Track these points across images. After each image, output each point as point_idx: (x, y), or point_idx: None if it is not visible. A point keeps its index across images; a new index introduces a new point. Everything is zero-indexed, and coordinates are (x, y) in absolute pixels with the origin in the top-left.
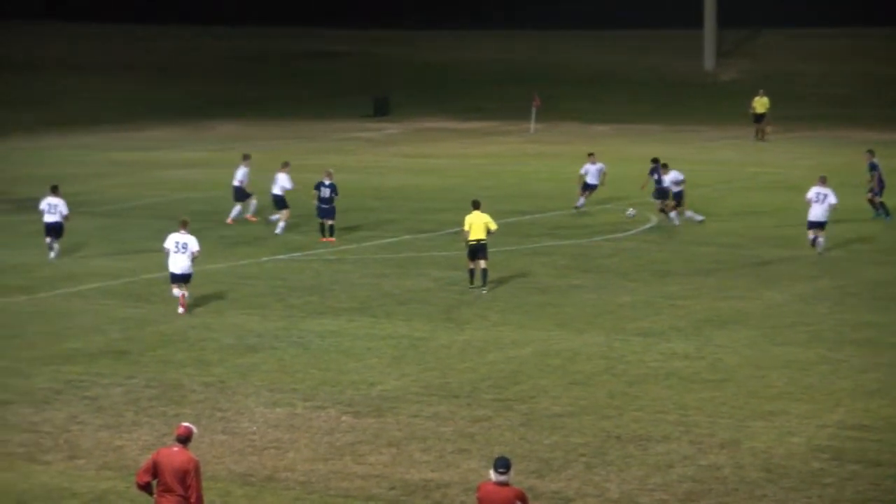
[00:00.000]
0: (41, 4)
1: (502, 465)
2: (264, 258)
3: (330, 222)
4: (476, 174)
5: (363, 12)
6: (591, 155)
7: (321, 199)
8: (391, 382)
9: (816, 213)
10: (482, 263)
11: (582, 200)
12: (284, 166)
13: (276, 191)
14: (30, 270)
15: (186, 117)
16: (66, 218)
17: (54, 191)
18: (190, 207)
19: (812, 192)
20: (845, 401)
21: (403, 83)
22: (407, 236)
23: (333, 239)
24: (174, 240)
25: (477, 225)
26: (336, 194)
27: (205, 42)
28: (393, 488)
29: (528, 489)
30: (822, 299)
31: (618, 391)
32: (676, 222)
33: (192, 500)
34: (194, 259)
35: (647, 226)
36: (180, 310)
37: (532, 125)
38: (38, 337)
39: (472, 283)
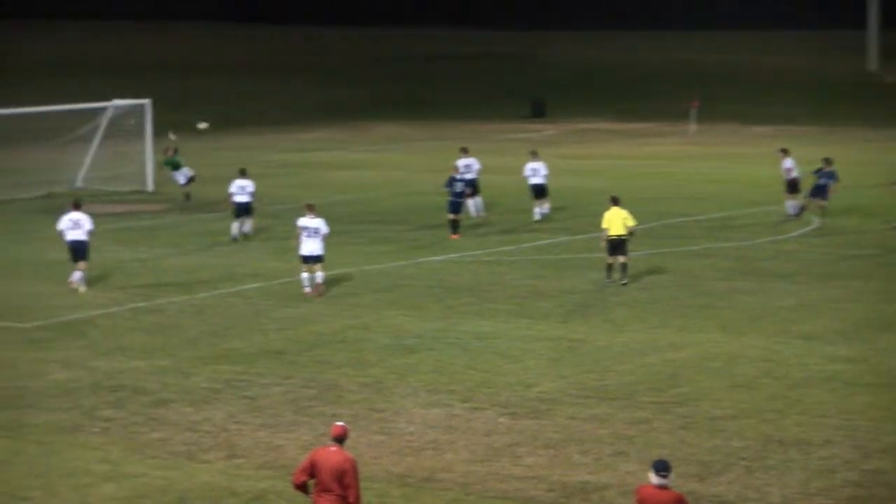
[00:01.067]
0: (214, 6)
1: (663, 467)
2: (421, 259)
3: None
4: (634, 175)
5: (522, 14)
6: (784, 151)
7: (454, 194)
8: (548, 384)
9: None
10: (621, 258)
11: (792, 206)
12: (534, 156)
13: (539, 180)
14: (190, 271)
15: (348, 118)
16: (252, 195)
17: (243, 174)
18: (350, 208)
19: None
20: None
21: (561, 84)
22: (564, 237)
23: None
24: (303, 224)
25: (615, 221)
26: (469, 188)
27: (367, 43)
28: (551, 490)
29: (688, 493)
30: None
31: (779, 394)
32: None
33: (351, 499)
34: (324, 240)
35: (809, 228)
36: (307, 289)
37: (691, 126)
38: (198, 336)
39: (608, 276)
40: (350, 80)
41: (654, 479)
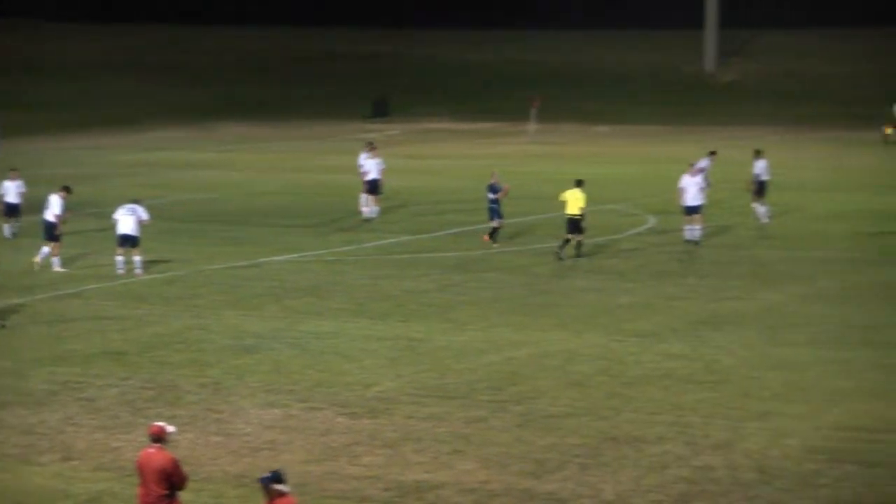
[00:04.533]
0: (52, 4)
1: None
2: (262, 259)
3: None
4: (477, 175)
5: (365, 13)
6: (758, 152)
7: (490, 200)
8: (387, 383)
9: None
10: (578, 236)
11: (761, 209)
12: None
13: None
14: (31, 272)
15: (191, 118)
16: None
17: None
18: (194, 208)
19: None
20: (841, 402)
21: (404, 84)
22: (406, 237)
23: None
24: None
25: (571, 200)
26: (495, 193)
27: (210, 43)
28: (387, 489)
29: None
30: (820, 300)
31: (614, 392)
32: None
33: (181, 488)
34: (140, 225)
35: (646, 227)
36: (120, 271)
37: (533, 126)
38: (37, 338)
39: (562, 253)
40: (197, 81)
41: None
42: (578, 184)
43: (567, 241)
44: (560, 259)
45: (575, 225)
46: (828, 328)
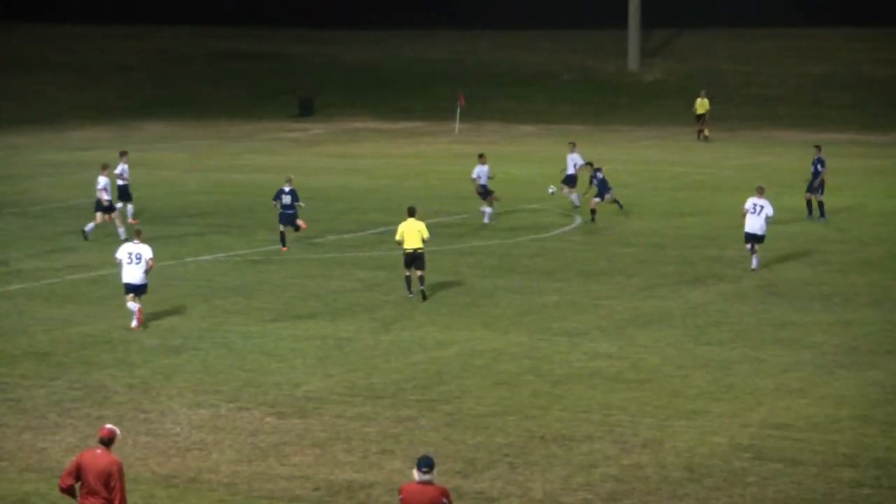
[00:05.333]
0: None
1: (425, 464)
2: (188, 259)
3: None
4: (402, 174)
5: (289, 12)
6: (572, 143)
7: (283, 206)
8: (315, 383)
9: (753, 225)
10: (418, 272)
11: (574, 196)
12: (481, 158)
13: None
14: None
15: (115, 118)
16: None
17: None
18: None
19: (749, 204)
20: (767, 400)
21: (329, 84)
22: (332, 237)
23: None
24: (127, 250)
25: (411, 233)
26: (297, 200)
27: (132, 42)
28: (317, 489)
29: (453, 489)
30: (745, 299)
31: (542, 391)
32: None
33: (116, 502)
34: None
35: (572, 226)
36: (134, 323)
37: (457, 125)
38: None
39: (409, 291)
40: (118, 80)
41: (417, 475)
42: (411, 213)
43: (409, 278)
44: (410, 298)
45: (413, 260)
46: (750, 327)
